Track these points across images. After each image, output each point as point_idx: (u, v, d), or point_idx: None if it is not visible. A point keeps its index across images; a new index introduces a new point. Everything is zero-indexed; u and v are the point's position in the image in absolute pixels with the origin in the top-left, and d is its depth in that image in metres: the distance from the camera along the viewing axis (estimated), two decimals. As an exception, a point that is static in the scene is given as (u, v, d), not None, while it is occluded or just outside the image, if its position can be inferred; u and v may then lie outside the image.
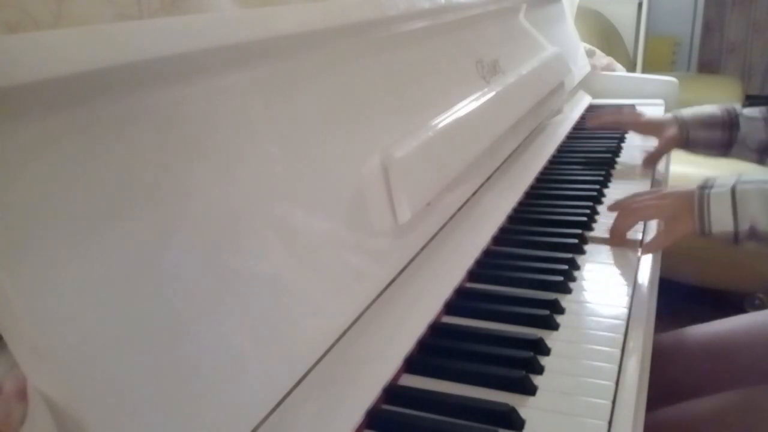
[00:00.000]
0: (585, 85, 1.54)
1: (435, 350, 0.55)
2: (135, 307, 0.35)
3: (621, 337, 0.56)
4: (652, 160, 1.04)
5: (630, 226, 0.75)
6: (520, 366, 0.51)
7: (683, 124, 1.00)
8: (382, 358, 0.51)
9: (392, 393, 0.50)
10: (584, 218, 0.80)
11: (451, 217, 0.74)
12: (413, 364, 0.53)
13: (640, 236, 0.76)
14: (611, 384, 0.50)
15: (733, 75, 3.38)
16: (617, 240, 0.74)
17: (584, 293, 0.64)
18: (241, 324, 0.41)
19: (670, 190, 0.74)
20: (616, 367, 0.52)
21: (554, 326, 0.58)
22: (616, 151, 1.12)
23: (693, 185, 0.72)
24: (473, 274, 0.68)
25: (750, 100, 3.15)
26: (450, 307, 0.62)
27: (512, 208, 0.84)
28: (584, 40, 1.71)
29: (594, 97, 1.54)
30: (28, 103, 0.31)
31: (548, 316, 0.59)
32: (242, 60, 0.45)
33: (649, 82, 1.56)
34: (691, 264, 1.66)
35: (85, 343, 0.32)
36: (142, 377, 0.34)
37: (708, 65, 3.62)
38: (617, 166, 1.06)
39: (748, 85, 3.46)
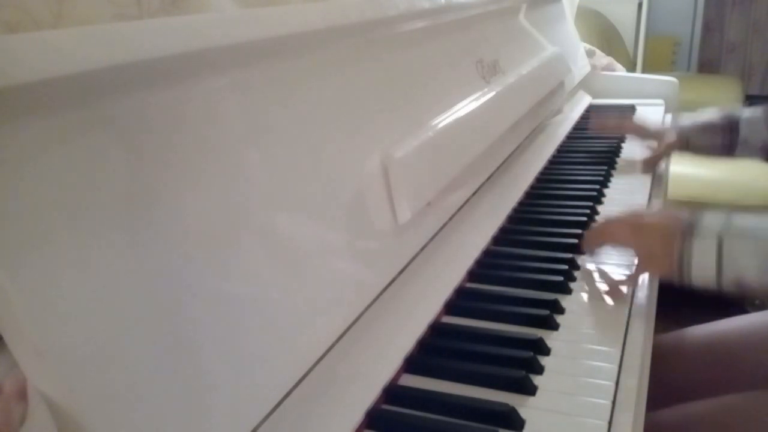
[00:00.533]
0: (585, 85, 1.54)
1: (435, 350, 0.55)
2: (135, 307, 0.35)
3: (621, 337, 0.56)
4: (650, 163, 1.04)
5: (596, 246, 0.70)
6: (520, 366, 0.51)
7: (682, 132, 1.01)
8: (382, 357, 0.51)
9: (392, 393, 0.50)
10: (584, 218, 0.80)
11: (451, 217, 0.74)
12: (413, 364, 0.53)
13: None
14: (611, 384, 0.50)
15: (733, 75, 3.37)
16: (586, 253, 0.70)
17: (584, 293, 0.64)
18: (240, 324, 0.41)
19: (652, 222, 0.66)
20: (616, 367, 0.52)
21: (554, 326, 0.58)
22: (616, 151, 1.12)
23: (695, 210, 0.64)
24: (473, 274, 0.68)
25: (750, 100, 3.15)
26: (450, 307, 0.62)
27: (512, 208, 0.84)
28: (584, 40, 1.71)
29: (594, 97, 1.54)
30: (29, 103, 0.31)
31: (548, 316, 0.59)
32: (242, 60, 0.45)
33: (649, 82, 1.56)
34: (691, 264, 1.65)
35: (86, 344, 0.32)
36: (142, 377, 0.34)
37: (708, 65, 3.62)
38: (617, 166, 1.06)
39: (748, 85, 3.45)
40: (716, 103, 2.75)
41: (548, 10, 1.38)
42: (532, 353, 0.53)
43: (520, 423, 0.46)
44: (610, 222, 0.69)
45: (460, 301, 0.63)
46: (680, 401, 0.77)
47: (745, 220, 0.60)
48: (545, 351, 0.54)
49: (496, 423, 0.46)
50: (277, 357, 0.43)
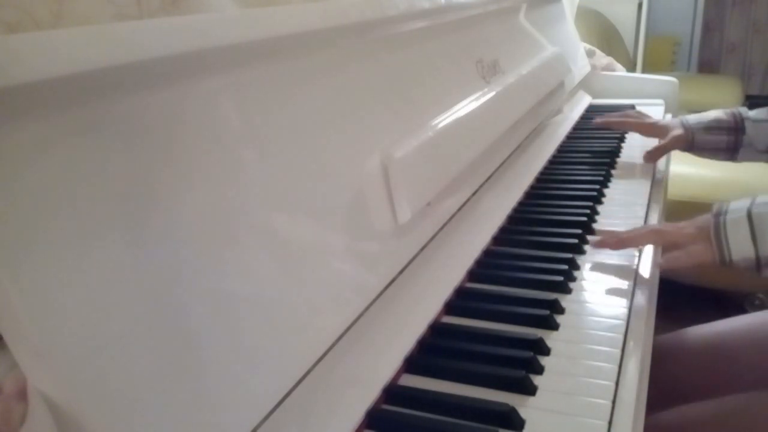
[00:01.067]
0: (585, 85, 1.54)
1: (435, 350, 0.55)
2: (134, 307, 0.35)
3: (621, 337, 0.56)
4: (654, 155, 1.03)
5: (643, 243, 0.72)
6: (520, 366, 0.51)
7: (689, 128, 1.00)
8: (382, 357, 0.51)
9: (392, 393, 0.50)
10: (584, 218, 0.80)
11: (451, 217, 0.74)
12: (413, 364, 0.53)
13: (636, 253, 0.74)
14: (611, 384, 0.50)
15: (733, 75, 3.37)
16: (616, 245, 0.71)
17: (584, 293, 0.64)
18: (240, 323, 0.41)
19: (687, 221, 0.71)
20: (616, 367, 0.52)
21: (554, 326, 0.58)
22: (616, 151, 1.12)
23: (696, 210, 0.70)
24: (473, 274, 0.68)
25: (750, 100, 3.15)
26: (450, 307, 0.62)
27: (512, 208, 0.84)
28: (584, 40, 1.71)
29: (594, 97, 1.54)
30: (29, 103, 0.31)
31: (548, 316, 0.59)
32: (242, 60, 0.45)
33: (649, 82, 1.56)
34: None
35: (86, 344, 0.32)
36: (142, 377, 0.34)
37: (708, 65, 3.62)
38: (617, 166, 1.06)
39: (748, 85, 3.46)
40: (716, 103, 2.76)
41: (548, 10, 1.38)
42: (532, 353, 0.53)
43: (520, 423, 0.46)
44: (648, 228, 0.72)
45: (460, 301, 0.63)
46: (680, 401, 0.77)
47: (765, 197, 0.64)
48: (545, 351, 0.54)
49: (496, 423, 0.46)
50: (277, 357, 0.43)
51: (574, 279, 0.67)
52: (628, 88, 1.57)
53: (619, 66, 1.73)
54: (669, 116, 1.32)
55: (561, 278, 0.65)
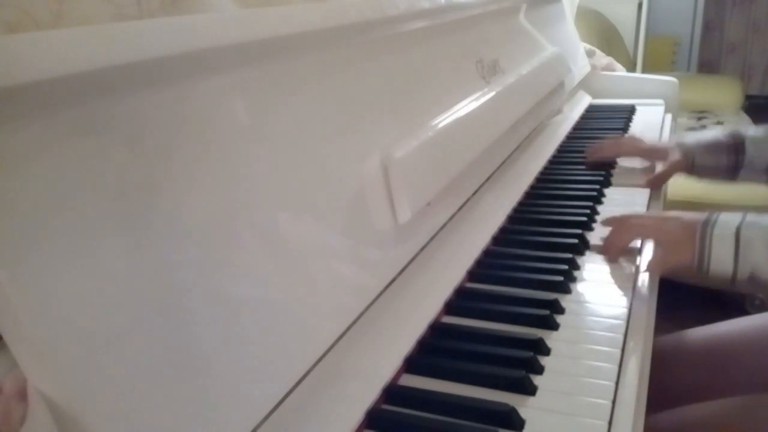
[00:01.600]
0: (585, 85, 1.54)
1: (435, 350, 0.55)
2: (134, 307, 0.35)
3: (621, 337, 0.56)
4: (656, 183, 0.99)
5: (627, 242, 0.73)
6: (520, 366, 0.51)
7: (688, 150, 0.96)
8: (382, 357, 0.51)
9: (392, 393, 0.50)
10: (584, 218, 0.80)
11: (451, 217, 0.74)
12: (413, 364, 0.53)
13: (639, 243, 0.74)
14: (611, 384, 0.50)
15: (733, 75, 3.37)
16: (612, 254, 0.72)
17: (584, 293, 0.64)
18: (240, 324, 0.41)
19: (673, 215, 0.71)
20: (616, 367, 0.52)
21: (554, 326, 0.58)
22: (612, 160, 1.12)
23: (696, 211, 0.70)
24: (473, 274, 0.68)
25: (750, 100, 3.15)
26: (450, 307, 0.62)
27: (512, 208, 0.84)
28: (584, 40, 1.71)
29: (594, 97, 1.54)
30: (28, 103, 0.31)
31: (548, 316, 0.59)
32: (242, 60, 0.45)
33: (649, 82, 1.56)
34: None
35: (86, 343, 0.32)
36: (142, 378, 0.34)
37: (708, 65, 3.62)
38: (617, 166, 1.06)
39: (748, 85, 3.46)
40: (716, 103, 2.76)
41: (548, 10, 1.38)
42: (532, 353, 0.53)
43: (520, 423, 0.46)
44: (632, 216, 0.74)
45: (460, 301, 0.63)
46: (680, 403, 0.77)
47: (759, 217, 0.65)
48: (545, 351, 0.54)
49: (496, 423, 0.46)
50: (277, 357, 0.43)
51: (574, 279, 0.67)
52: (628, 88, 1.57)
53: (619, 66, 1.73)
54: (668, 129, 1.30)
55: (561, 278, 0.65)
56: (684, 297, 1.68)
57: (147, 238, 0.36)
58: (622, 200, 0.91)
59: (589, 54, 1.65)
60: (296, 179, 0.49)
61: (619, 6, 2.67)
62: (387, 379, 0.50)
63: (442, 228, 0.71)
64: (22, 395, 0.32)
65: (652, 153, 1.03)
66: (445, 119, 0.70)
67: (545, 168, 1.02)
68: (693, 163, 0.96)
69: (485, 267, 0.70)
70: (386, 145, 0.59)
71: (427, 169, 0.64)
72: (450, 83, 0.78)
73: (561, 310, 0.61)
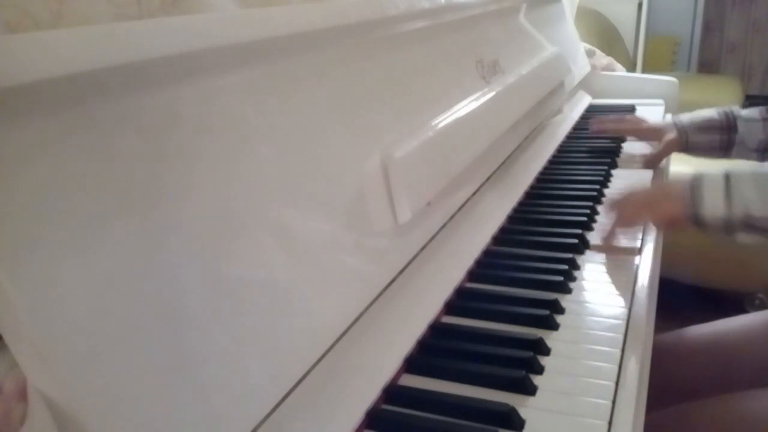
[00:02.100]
0: (585, 85, 1.54)
1: (435, 350, 0.55)
2: (135, 307, 0.35)
3: (621, 337, 0.56)
4: (652, 162, 1.05)
5: (639, 223, 0.76)
6: (520, 366, 0.51)
7: (682, 129, 1.01)
8: (382, 357, 0.51)
9: (392, 393, 0.50)
10: (584, 218, 0.80)
11: (451, 217, 0.74)
12: (413, 364, 0.53)
13: (638, 243, 0.76)
14: (611, 384, 0.50)
15: (733, 75, 3.37)
16: (614, 248, 0.74)
17: (584, 293, 0.64)
18: (240, 324, 0.41)
19: (660, 185, 0.77)
20: (616, 367, 0.52)
21: (554, 326, 0.58)
22: (616, 151, 1.12)
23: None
24: (473, 274, 0.68)
25: (750, 100, 3.15)
26: (450, 307, 0.62)
27: (512, 208, 0.84)
28: (584, 40, 1.71)
29: (594, 97, 1.54)
30: (28, 103, 0.31)
31: (548, 316, 0.59)
32: (242, 60, 0.45)
33: (649, 82, 1.56)
34: (691, 264, 1.65)
35: (85, 343, 0.32)
36: (142, 377, 0.34)
37: (708, 65, 3.62)
38: (617, 166, 1.06)
39: (748, 85, 3.46)
40: (716, 103, 2.75)
41: (548, 10, 1.38)
42: (532, 353, 0.53)
43: (520, 423, 0.46)
44: (625, 205, 0.75)
45: (460, 301, 0.63)
46: (680, 401, 0.77)
47: (744, 166, 0.68)
48: (545, 351, 0.54)
49: (496, 423, 0.46)
50: (277, 357, 0.43)
51: (574, 279, 0.67)
52: (628, 88, 1.57)
53: (619, 66, 1.73)
54: (669, 116, 1.32)
55: (561, 278, 0.65)
56: (684, 297, 1.68)
57: (147, 237, 0.36)
58: (626, 185, 0.92)
59: (589, 54, 1.65)
60: (296, 179, 0.49)
61: (619, 6, 2.67)
62: (387, 379, 0.50)
63: (442, 228, 0.71)
64: (22, 395, 0.32)
65: (650, 133, 1.08)
66: (445, 119, 0.70)
67: (545, 168, 1.02)
68: (687, 141, 1.00)
69: (485, 267, 0.70)
70: (386, 145, 0.59)
71: (427, 169, 0.64)
72: (450, 83, 0.78)
73: (561, 310, 0.61)
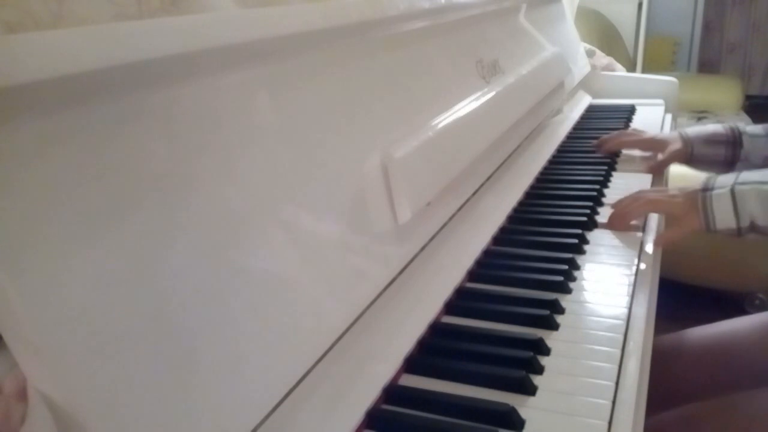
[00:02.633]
0: (585, 85, 1.54)
1: (435, 350, 0.55)
2: (135, 307, 0.35)
3: (621, 337, 0.56)
4: (655, 169, 1.04)
5: (640, 214, 0.79)
6: (520, 366, 0.51)
7: (688, 140, 1.02)
8: (382, 357, 0.51)
9: (392, 393, 0.50)
10: (584, 218, 0.80)
11: (451, 217, 0.74)
12: (413, 364, 0.53)
13: (640, 234, 0.77)
14: (611, 384, 0.50)
15: (733, 75, 3.37)
16: (621, 224, 0.78)
17: (584, 293, 0.64)
18: (241, 324, 0.41)
19: (677, 189, 0.79)
20: (616, 367, 0.52)
21: (554, 326, 0.58)
22: (617, 151, 1.12)
23: (695, 183, 0.77)
24: (473, 274, 0.68)
25: (750, 100, 3.15)
26: (450, 307, 0.62)
27: (512, 208, 0.84)
28: (584, 40, 1.71)
29: (594, 97, 1.54)
30: (28, 103, 0.31)
31: (548, 316, 0.59)
32: (242, 60, 0.45)
33: (649, 82, 1.56)
34: (691, 264, 1.65)
35: (85, 343, 0.32)
36: (142, 377, 0.34)
37: (708, 65, 3.62)
38: (617, 166, 1.06)
39: (748, 85, 3.46)
40: (716, 102, 2.76)
41: (548, 10, 1.38)
42: (532, 353, 0.53)
43: (520, 423, 0.46)
44: (644, 193, 0.81)
45: (460, 301, 0.63)
46: (680, 402, 0.77)
47: (750, 175, 0.73)
48: (545, 351, 0.54)
49: (496, 423, 0.46)
50: (277, 357, 0.43)
51: (574, 279, 0.67)
52: (628, 88, 1.57)
53: (619, 66, 1.73)
54: (667, 129, 1.33)
55: (561, 278, 0.65)
56: (684, 297, 1.68)
57: (148, 237, 0.36)
58: (626, 185, 0.92)
59: (589, 54, 1.65)
60: (296, 179, 0.49)
61: (619, 6, 2.67)
62: (387, 379, 0.50)
63: (442, 228, 0.71)
64: (22, 395, 0.32)
65: (652, 144, 1.08)
66: (445, 119, 0.70)
67: (545, 168, 1.02)
68: (692, 152, 1.01)
69: (485, 267, 0.70)
70: (386, 145, 0.59)
71: (428, 169, 0.64)
72: (450, 83, 0.78)
73: (561, 310, 0.61)
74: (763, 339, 0.83)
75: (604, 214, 0.84)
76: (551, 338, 0.56)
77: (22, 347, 0.31)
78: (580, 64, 1.51)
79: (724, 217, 0.72)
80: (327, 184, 0.52)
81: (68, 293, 0.31)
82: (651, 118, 1.37)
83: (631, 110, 1.41)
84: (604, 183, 0.96)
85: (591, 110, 1.43)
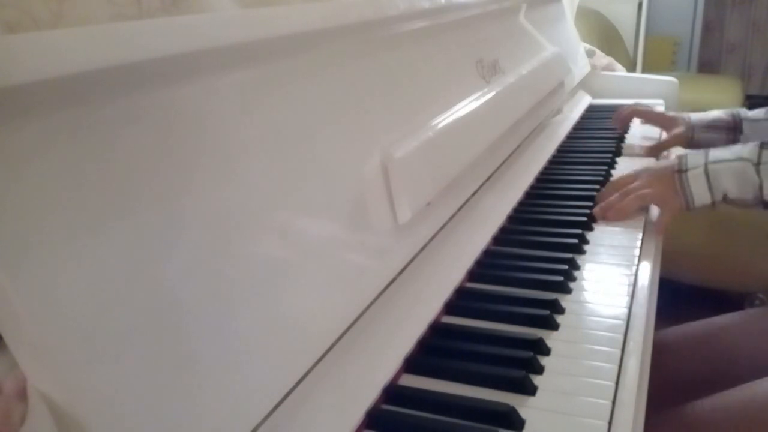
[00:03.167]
0: (585, 85, 1.54)
1: (435, 350, 0.55)
2: (135, 307, 0.35)
3: (621, 337, 0.56)
4: (654, 151, 1.10)
5: (634, 209, 0.82)
6: (520, 366, 0.51)
7: (690, 125, 1.07)
8: (382, 357, 0.51)
9: (392, 393, 0.50)
10: (584, 218, 0.80)
11: (451, 217, 0.74)
12: (413, 364, 0.53)
13: (640, 235, 0.77)
14: (611, 384, 0.50)
15: (733, 75, 3.37)
16: (611, 217, 0.82)
17: (584, 293, 0.64)
18: (241, 324, 0.41)
19: (649, 173, 0.84)
20: (616, 367, 0.52)
21: (554, 326, 0.58)
22: (616, 151, 1.12)
23: (662, 163, 0.85)
24: (473, 274, 0.68)
25: (750, 100, 3.15)
26: (450, 307, 0.62)
27: (512, 208, 0.84)
28: (584, 40, 1.71)
29: (594, 97, 1.54)
30: (28, 103, 0.31)
31: (548, 316, 0.59)
32: (242, 60, 0.45)
33: (649, 82, 1.56)
34: (691, 264, 1.65)
35: (85, 343, 0.32)
36: (142, 377, 0.34)
37: (708, 65, 3.62)
38: (617, 166, 1.06)
39: (748, 85, 3.46)
40: (716, 102, 2.76)
41: (548, 10, 1.38)
42: (532, 353, 0.53)
43: (520, 423, 0.46)
44: (621, 194, 0.84)
45: (460, 301, 0.63)
46: (679, 397, 0.77)
47: (717, 152, 0.81)
48: (545, 351, 0.54)
49: (496, 423, 0.46)
50: (277, 357, 0.43)
51: (574, 279, 0.67)
52: (628, 88, 1.57)
53: (619, 66, 1.74)
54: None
55: (561, 278, 0.65)
56: (684, 297, 1.68)
57: (147, 237, 0.36)
58: (630, 168, 0.92)
59: (589, 54, 1.65)
60: (296, 179, 0.49)
61: (619, 6, 2.67)
62: (387, 379, 0.50)
63: (442, 228, 0.71)
64: (22, 395, 0.32)
65: (661, 119, 1.17)
66: (445, 119, 0.70)
67: (545, 168, 1.02)
68: (693, 137, 1.07)
69: (485, 267, 0.70)
70: (386, 145, 0.59)
71: (427, 169, 0.64)
72: (450, 83, 0.78)
73: (561, 310, 0.61)
74: (761, 333, 0.83)
75: (597, 230, 0.84)
76: (551, 338, 0.56)
77: (22, 347, 0.31)
78: (580, 64, 1.51)
79: (701, 195, 0.79)
80: (327, 184, 0.52)
81: (68, 293, 0.31)
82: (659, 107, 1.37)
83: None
84: (604, 183, 0.96)
85: (591, 110, 1.43)
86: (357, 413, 0.46)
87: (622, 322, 0.58)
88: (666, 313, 0.88)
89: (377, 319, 0.55)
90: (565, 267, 0.67)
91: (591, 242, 0.76)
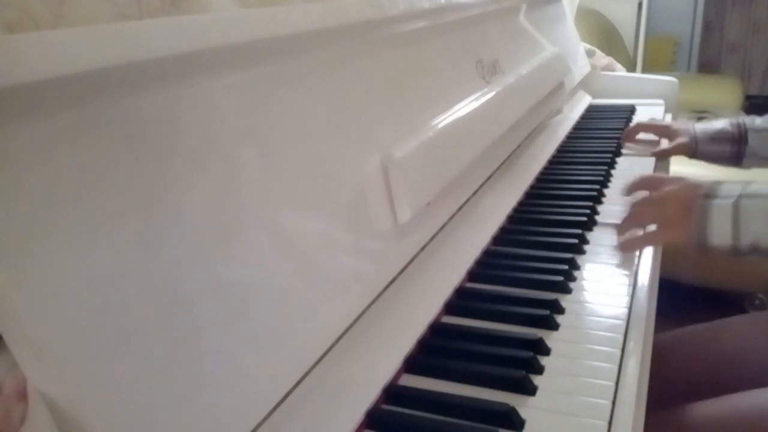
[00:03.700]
0: (585, 85, 1.54)
1: (435, 350, 0.55)
2: (135, 307, 0.35)
3: (621, 337, 0.56)
4: (659, 156, 1.09)
5: (628, 232, 0.75)
6: (520, 366, 0.51)
7: (694, 137, 1.05)
8: (382, 357, 0.51)
9: (392, 393, 0.50)
10: (584, 218, 0.80)
11: (451, 217, 0.74)
12: (413, 364, 0.53)
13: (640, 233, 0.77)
14: (611, 384, 0.50)
15: (733, 75, 3.37)
16: (629, 250, 0.73)
17: (584, 293, 0.64)
18: (240, 324, 0.41)
19: (675, 188, 0.71)
20: (616, 367, 0.52)
21: (554, 326, 0.58)
22: (617, 151, 1.12)
23: (701, 180, 0.70)
24: (473, 274, 0.68)
25: (750, 100, 3.15)
26: (450, 307, 0.62)
27: (512, 208, 0.84)
28: (584, 40, 1.71)
29: (594, 97, 1.54)
30: (29, 103, 0.31)
31: (548, 316, 0.59)
32: (242, 60, 0.45)
33: (649, 82, 1.56)
34: (691, 264, 1.65)
35: (86, 344, 0.32)
36: (142, 377, 0.34)
37: (708, 65, 3.62)
38: (617, 166, 1.06)
39: (748, 85, 3.45)
40: (716, 102, 2.75)
41: (548, 10, 1.38)
42: (532, 353, 0.53)
43: (520, 423, 0.46)
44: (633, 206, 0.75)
45: (460, 301, 0.63)
46: (679, 400, 0.77)
47: (760, 186, 0.64)
48: (545, 351, 0.54)
49: (496, 423, 0.46)
50: (277, 357, 0.43)
51: (574, 279, 0.67)
52: (628, 88, 1.57)
53: (619, 66, 1.73)
54: (677, 119, 1.37)
55: (561, 278, 0.65)
56: (684, 297, 1.68)
57: (148, 237, 0.36)
58: (622, 200, 0.91)
59: (589, 54, 1.64)
60: (296, 179, 0.49)
61: (619, 6, 2.67)
62: (387, 379, 0.50)
63: (442, 228, 0.71)
64: (22, 395, 0.32)
65: (666, 131, 1.14)
66: (445, 119, 0.70)
67: (545, 168, 1.02)
68: (696, 149, 1.05)
69: (485, 267, 0.70)
70: (386, 145, 0.59)
71: (427, 169, 0.64)
72: (450, 83, 0.78)
73: (561, 310, 0.61)
74: (763, 337, 0.83)
75: (604, 214, 0.84)
76: (551, 338, 0.56)
77: (22, 347, 0.31)
78: (580, 64, 1.51)
79: (720, 233, 0.64)
80: (327, 184, 0.52)
81: (69, 293, 0.31)
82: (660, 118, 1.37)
83: (631, 110, 1.41)
84: (604, 183, 0.96)
85: (591, 110, 1.43)
86: (357, 413, 0.46)
87: (622, 322, 0.58)
88: (666, 313, 0.88)
89: (377, 319, 0.55)
90: (565, 267, 0.67)
91: (591, 242, 0.76)
